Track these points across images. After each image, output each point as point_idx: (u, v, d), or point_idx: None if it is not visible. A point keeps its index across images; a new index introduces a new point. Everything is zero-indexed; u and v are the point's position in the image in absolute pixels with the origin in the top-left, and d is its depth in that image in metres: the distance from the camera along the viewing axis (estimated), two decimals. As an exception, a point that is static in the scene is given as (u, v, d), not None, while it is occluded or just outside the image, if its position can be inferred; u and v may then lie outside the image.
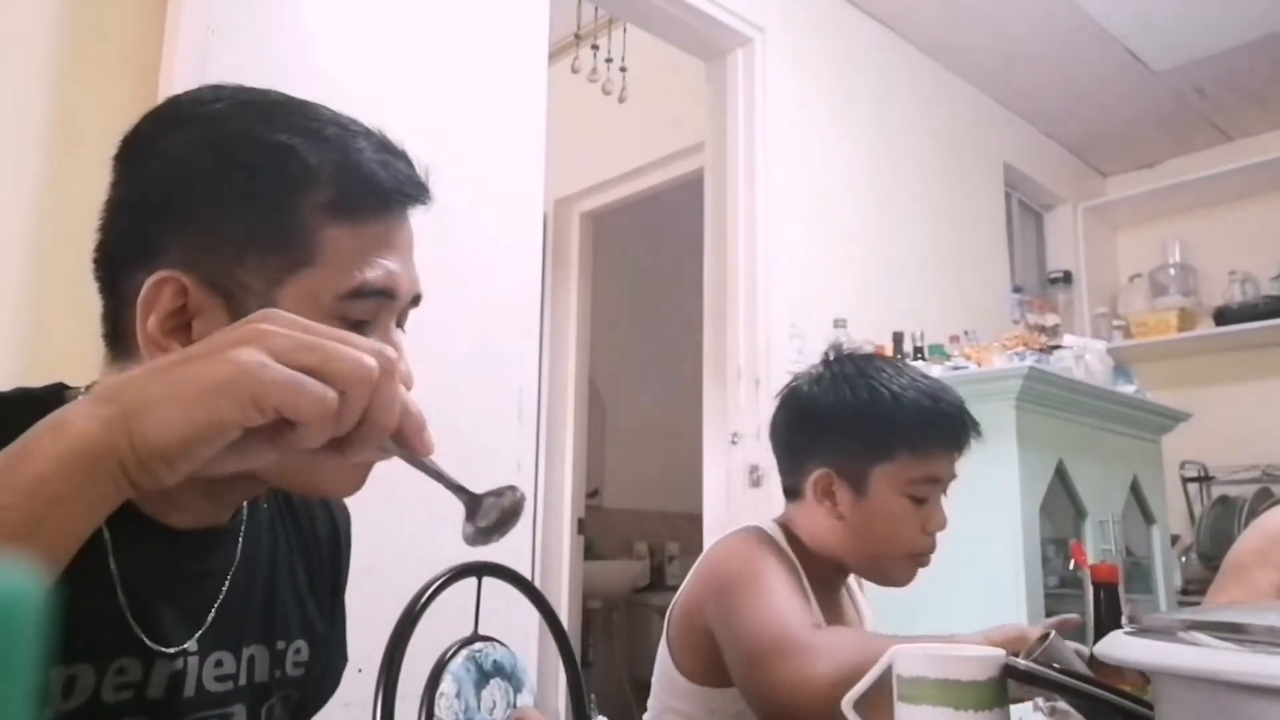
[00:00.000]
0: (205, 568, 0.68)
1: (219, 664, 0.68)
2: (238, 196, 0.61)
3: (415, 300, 0.69)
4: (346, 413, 0.48)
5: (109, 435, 0.45)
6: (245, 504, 0.72)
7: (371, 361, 0.49)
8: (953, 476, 1.16)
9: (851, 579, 1.29)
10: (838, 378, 1.18)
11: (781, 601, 1.01)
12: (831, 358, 1.22)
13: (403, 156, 0.68)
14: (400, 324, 0.69)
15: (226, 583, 0.69)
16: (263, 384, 0.46)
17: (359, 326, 0.62)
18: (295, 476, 0.63)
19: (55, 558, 0.45)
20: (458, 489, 0.56)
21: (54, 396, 0.64)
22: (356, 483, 0.64)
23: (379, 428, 0.50)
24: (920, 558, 1.15)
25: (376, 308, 0.63)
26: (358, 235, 0.62)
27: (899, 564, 1.16)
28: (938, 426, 1.13)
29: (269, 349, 0.47)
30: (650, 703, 1.21)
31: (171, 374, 0.47)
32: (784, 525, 1.20)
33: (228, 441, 0.47)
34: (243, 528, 0.71)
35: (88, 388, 0.66)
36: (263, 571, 0.73)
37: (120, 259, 0.63)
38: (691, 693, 1.14)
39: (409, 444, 0.53)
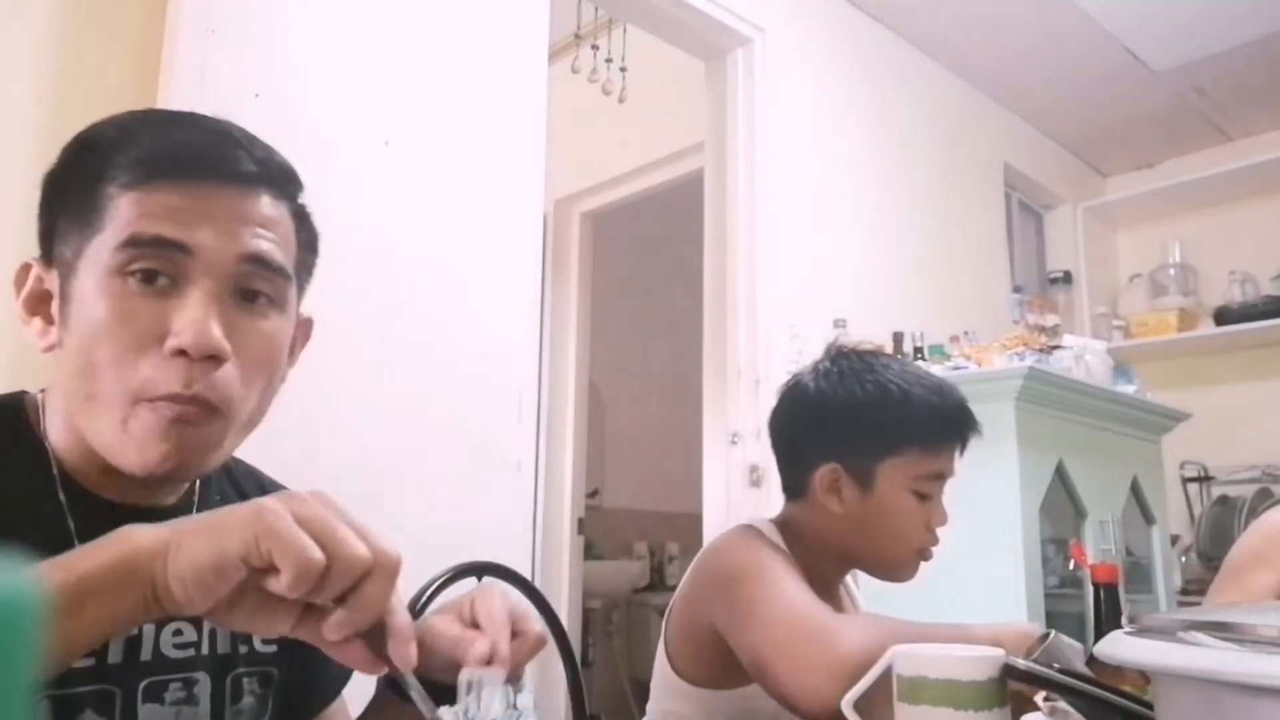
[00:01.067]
0: None
1: (178, 632, 0.72)
2: (63, 188, 0.70)
3: (260, 263, 0.68)
4: (328, 582, 0.51)
5: (151, 556, 0.51)
6: (198, 486, 0.77)
7: (365, 551, 0.52)
8: (953, 474, 1.17)
9: (849, 579, 1.29)
10: (845, 373, 1.17)
11: (793, 589, 1.00)
12: (835, 353, 1.21)
13: (245, 144, 0.70)
14: (251, 289, 0.69)
15: None
16: (268, 529, 0.50)
17: (151, 281, 0.65)
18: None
19: (80, 641, 0.51)
20: (427, 706, 0.56)
21: (13, 403, 0.73)
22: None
23: (355, 610, 0.53)
24: (924, 553, 1.15)
25: (170, 264, 0.65)
26: (143, 201, 0.66)
27: (904, 560, 1.15)
28: (945, 423, 1.14)
29: (294, 511, 0.52)
30: (649, 706, 1.21)
31: (218, 516, 0.53)
32: (781, 524, 1.19)
33: (236, 576, 0.51)
34: (195, 508, 0.76)
35: (42, 391, 0.73)
36: None
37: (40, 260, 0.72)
38: (691, 694, 1.13)
39: (391, 647, 0.54)
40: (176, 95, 1.63)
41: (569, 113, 3.17)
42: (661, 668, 1.18)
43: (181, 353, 0.64)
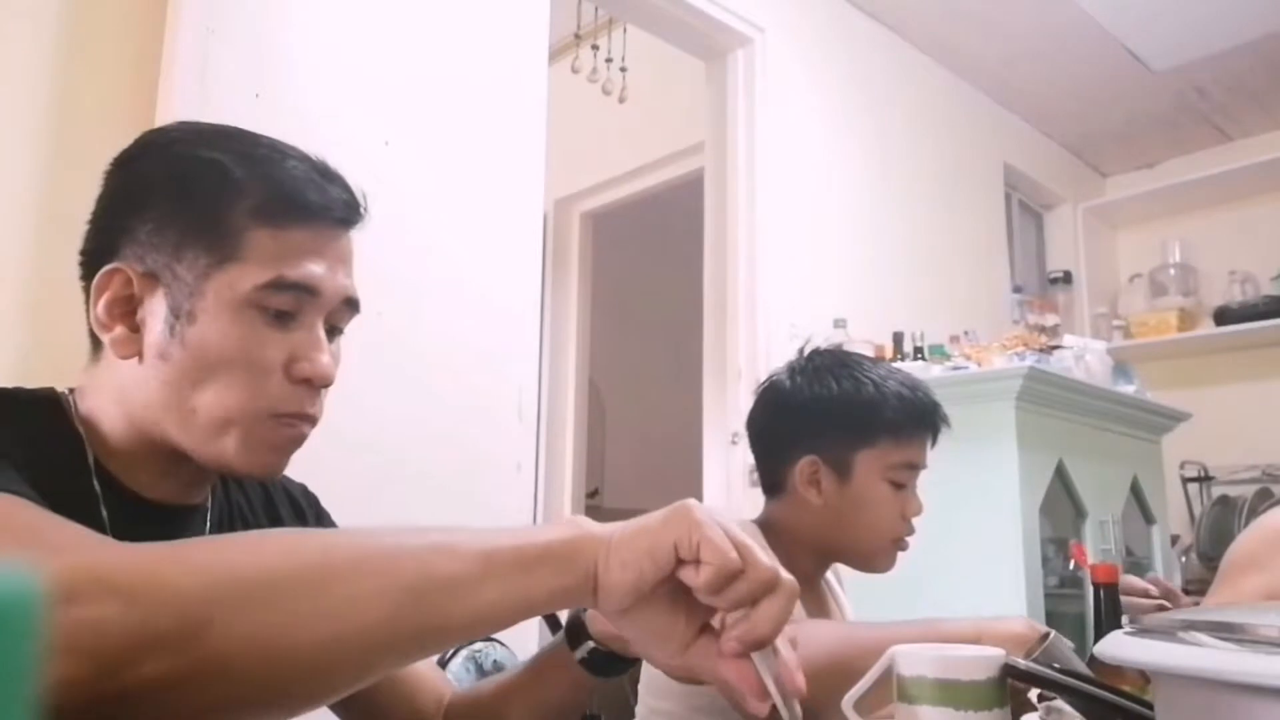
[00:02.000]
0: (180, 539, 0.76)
1: None
2: (176, 202, 0.71)
3: (351, 305, 0.77)
4: (739, 585, 0.54)
5: (598, 541, 0.55)
6: (219, 485, 0.82)
7: (775, 570, 0.55)
8: (924, 465, 1.21)
9: (830, 575, 1.31)
10: (819, 369, 1.22)
11: None
12: (807, 352, 1.27)
13: (337, 180, 0.76)
14: (337, 326, 0.77)
15: None
16: (698, 524, 0.54)
17: (281, 318, 0.71)
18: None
19: (518, 608, 0.54)
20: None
21: (51, 395, 0.74)
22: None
23: (757, 623, 0.54)
24: (900, 542, 1.20)
25: (298, 303, 0.72)
26: (278, 239, 0.71)
27: (882, 549, 1.20)
28: (916, 413, 1.19)
29: (720, 522, 0.55)
30: (638, 707, 1.23)
31: (647, 517, 0.56)
32: (762, 523, 1.22)
33: (667, 563, 0.54)
34: (209, 506, 0.80)
35: (71, 390, 0.75)
36: None
37: (93, 261, 0.73)
38: (675, 691, 1.15)
39: (782, 673, 0.56)
40: (176, 95, 1.63)
41: (569, 113, 3.17)
42: (648, 666, 1.19)
43: (307, 380, 0.72)
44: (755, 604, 0.54)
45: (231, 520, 0.83)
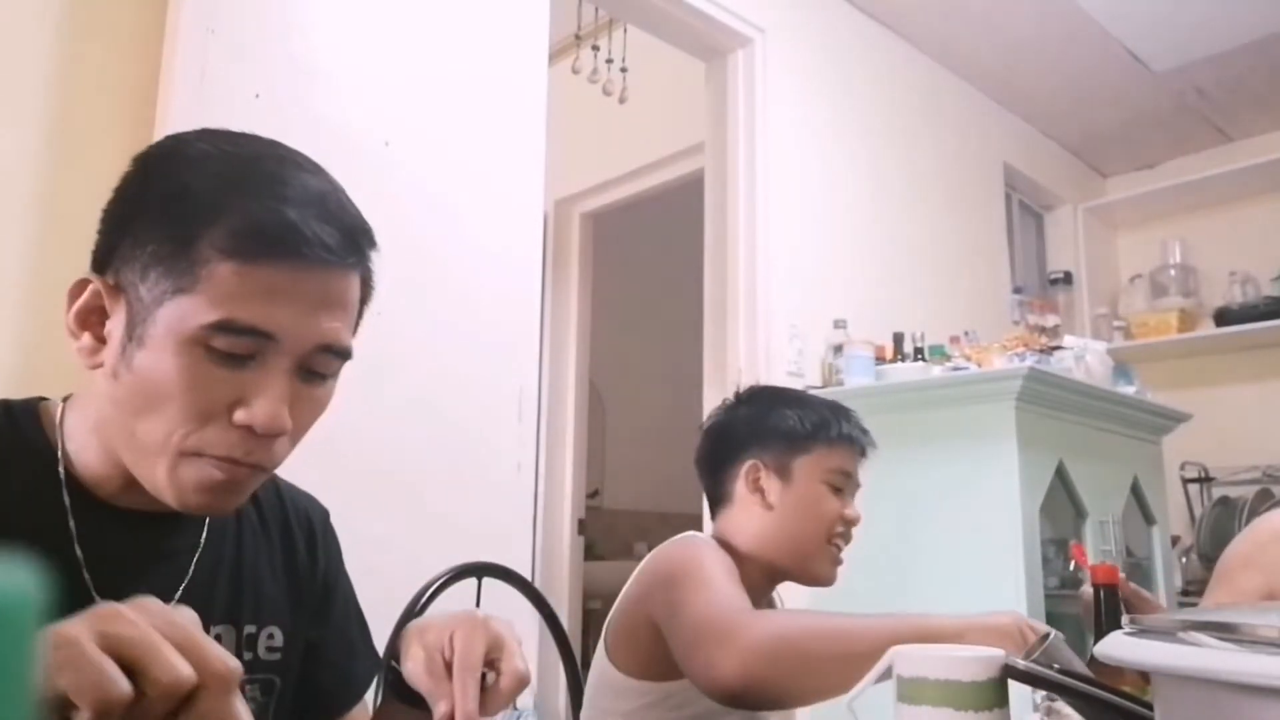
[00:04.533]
0: (168, 548, 0.76)
1: None
2: (154, 221, 0.68)
3: (336, 353, 0.70)
4: (143, 713, 0.46)
5: None
6: None
7: (187, 672, 0.47)
8: (858, 483, 1.32)
9: (775, 596, 1.37)
10: (755, 397, 1.36)
11: (719, 589, 1.10)
12: (741, 392, 1.40)
13: (334, 219, 0.69)
14: (322, 373, 0.71)
15: (192, 566, 0.76)
16: (62, 660, 0.44)
17: (234, 361, 0.66)
18: None
19: None
20: None
21: (28, 408, 0.74)
22: None
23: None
24: (836, 545, 1.27)
25: (253, 345, 0.66)
26: (243, 275, 0.65)
27: (821, 551, 1.26)
28: (840, 426, 1.30)
29: (102, 631, 0.46)
30: (583, 713, 1.26)
31: None
32: (718, 538, 1.28)
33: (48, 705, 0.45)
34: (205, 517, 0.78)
35: (65, 399, 0.75)
36: (229, 556, 0.80)
37: (93, 261, 0.71)
38: (631, 689, 1.18)
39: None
40: (176, 95, 1.63)
41: (569, 113, 3.17)
42: (600, 670, 1.23)
43: (249, 427, 0.67)
44: (184, 708, 0.47)
45: (239, 528, 0.82)
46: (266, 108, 1.70)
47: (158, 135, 1.63)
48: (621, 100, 3.24)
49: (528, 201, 2.15)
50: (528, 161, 2.15)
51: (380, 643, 0.98)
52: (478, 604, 1.22)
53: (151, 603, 0.50)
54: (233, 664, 0.49)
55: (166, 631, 0.48)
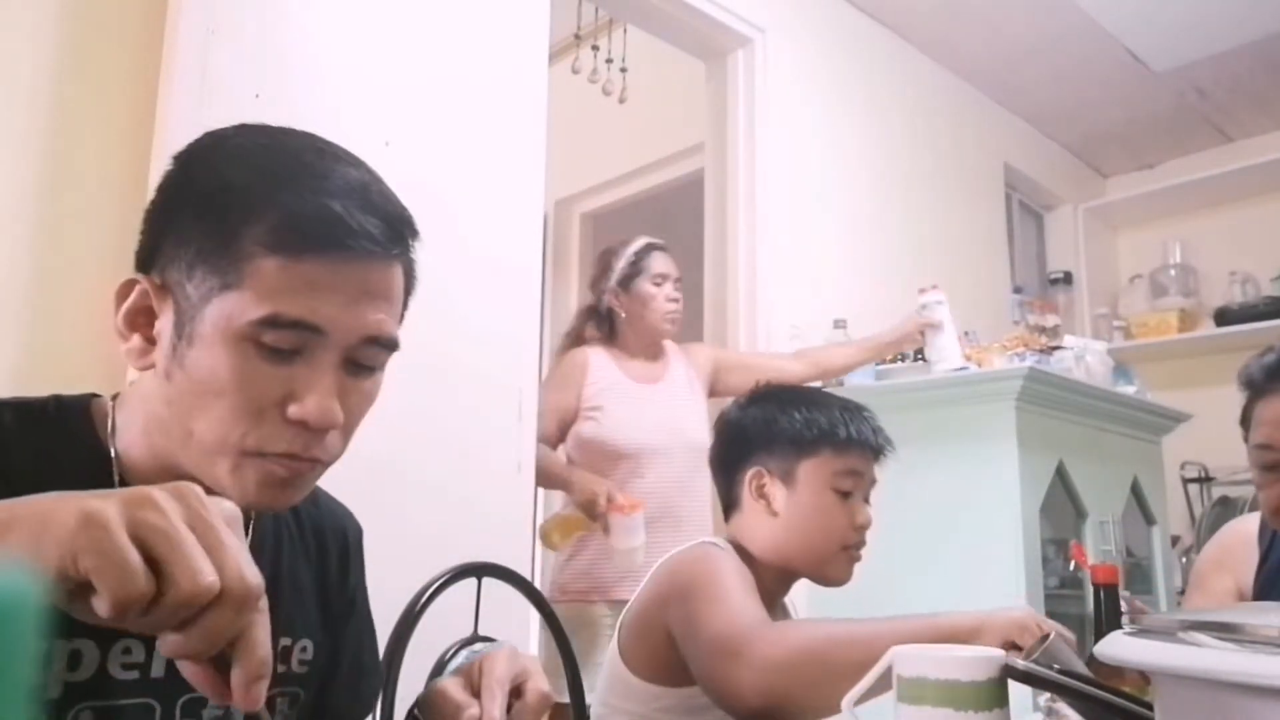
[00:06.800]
0: None
1: None
2: (196, 218, 0.67)
3: (379, 343, 0.71)
4: (157, 611, 0.45)
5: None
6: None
7: (209, 580, 0.45)
8: (873, 480, 1.28)
9: (787, 603, 1.36)
10: (767, 398, 1.33)
11: (735, 603, 1.09)
12: (755, 388, 1.37)
13: (378, 209, 0.70)
14: (368, 365, 0.72)
15: None
16: (89, 544, 0.43)
17: (282, 355, 0.66)
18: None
19: None
20: None
21: (80, 405, 0.73)
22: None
23: (191, 638, 0.46)
24: (851, 551, 1.25)
25: (300, 339, 0.66)
26: (288, 270, 0.65)
27: (834, 556, 1.24)
28: (852, 423, 1.27)
29: (133, 518, 0.45)
30: (594, 709, 1.26)
31: (50, 509, 0.46)
32: (731, 541, 1.28)
33: (61, 580, 0.44)
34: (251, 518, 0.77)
35: (114, 397, 0.74)
36: (268, 565, 0.78)
37: (138, 262, 0.71)
38: (643, 691, 1.18)
39: (233, 679, 0.48)
40: (176, 95, 1.63)
41: (569, 113, 3.17)
42: (613, 669, 1.24)
43: (303, 422, 0.67)
44: (196, 618, 0.45)
45: (278, 536, 0.82)
46: (266, 108, 1.70)
47: (158, 135, 1.63)
48: (621, 100, 3.24)
49: (528, 201, 2.15)
50: (528, 162, 2.15)
51: (381, 643, 0.98)
52: (477, 603, 1.22)
53: (190, 491, 0.48)
54: (254, 580, 0.47)
55: (197, 528, 0.46)
